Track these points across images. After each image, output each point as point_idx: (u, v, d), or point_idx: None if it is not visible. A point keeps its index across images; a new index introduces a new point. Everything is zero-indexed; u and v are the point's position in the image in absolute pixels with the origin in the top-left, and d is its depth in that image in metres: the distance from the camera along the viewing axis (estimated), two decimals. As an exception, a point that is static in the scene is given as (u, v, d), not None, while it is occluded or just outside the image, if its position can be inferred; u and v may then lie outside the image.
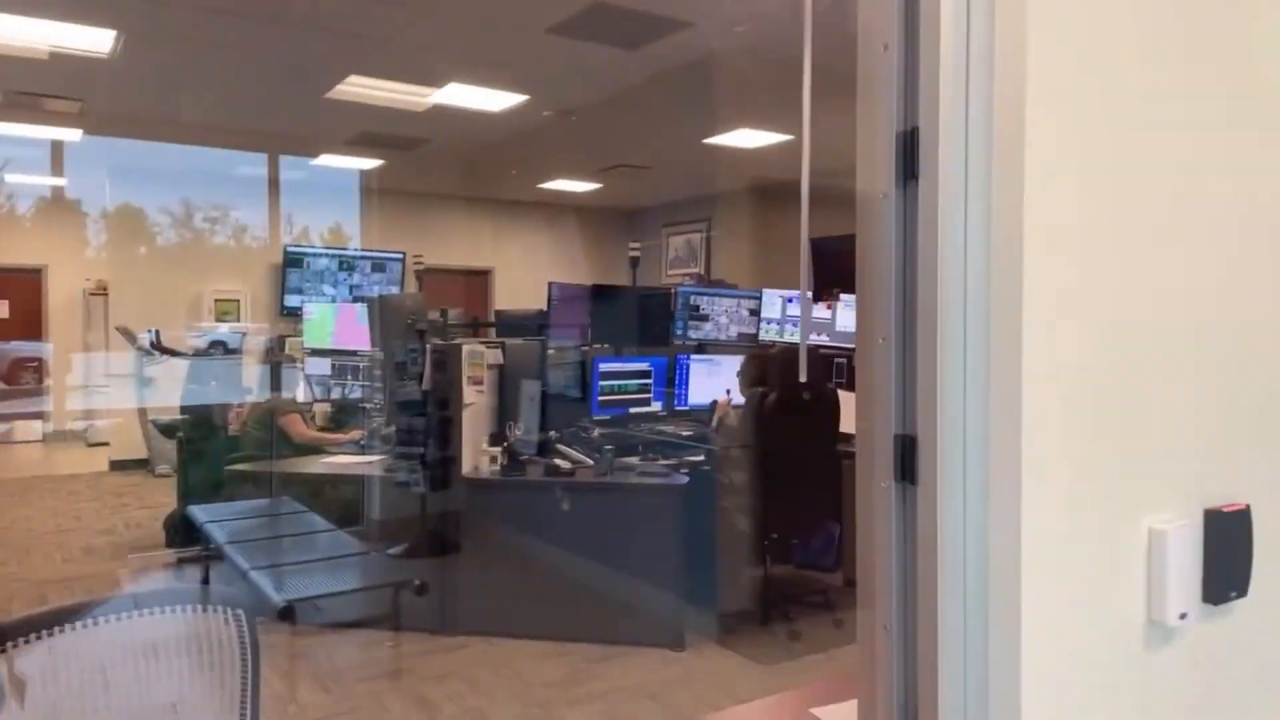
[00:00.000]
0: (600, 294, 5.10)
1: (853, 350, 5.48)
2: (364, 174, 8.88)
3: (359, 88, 5.69)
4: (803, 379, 4.42)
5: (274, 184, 9.14)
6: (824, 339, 5.38)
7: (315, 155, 8.22)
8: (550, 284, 4.87)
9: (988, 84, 0.82)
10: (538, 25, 4.64)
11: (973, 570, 0.84)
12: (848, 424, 5.00)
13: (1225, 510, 1.06)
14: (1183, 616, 1.02)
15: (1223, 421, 1.09)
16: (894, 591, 0.88)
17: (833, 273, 7.52)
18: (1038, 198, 0.84)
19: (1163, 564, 1.00)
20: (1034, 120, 0.83)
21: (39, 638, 1.37)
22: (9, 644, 1.29)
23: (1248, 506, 1.08)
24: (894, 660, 0.88)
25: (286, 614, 3.16)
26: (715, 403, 4.92)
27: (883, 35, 0.87)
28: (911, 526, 0.87)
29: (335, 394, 6.02)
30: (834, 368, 5.29)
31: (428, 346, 4.34)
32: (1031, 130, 0.83)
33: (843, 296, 5.34)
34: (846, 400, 5.03)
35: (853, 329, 5.50)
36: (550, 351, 4.63)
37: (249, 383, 7.04)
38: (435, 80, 5.59)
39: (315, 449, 5.35)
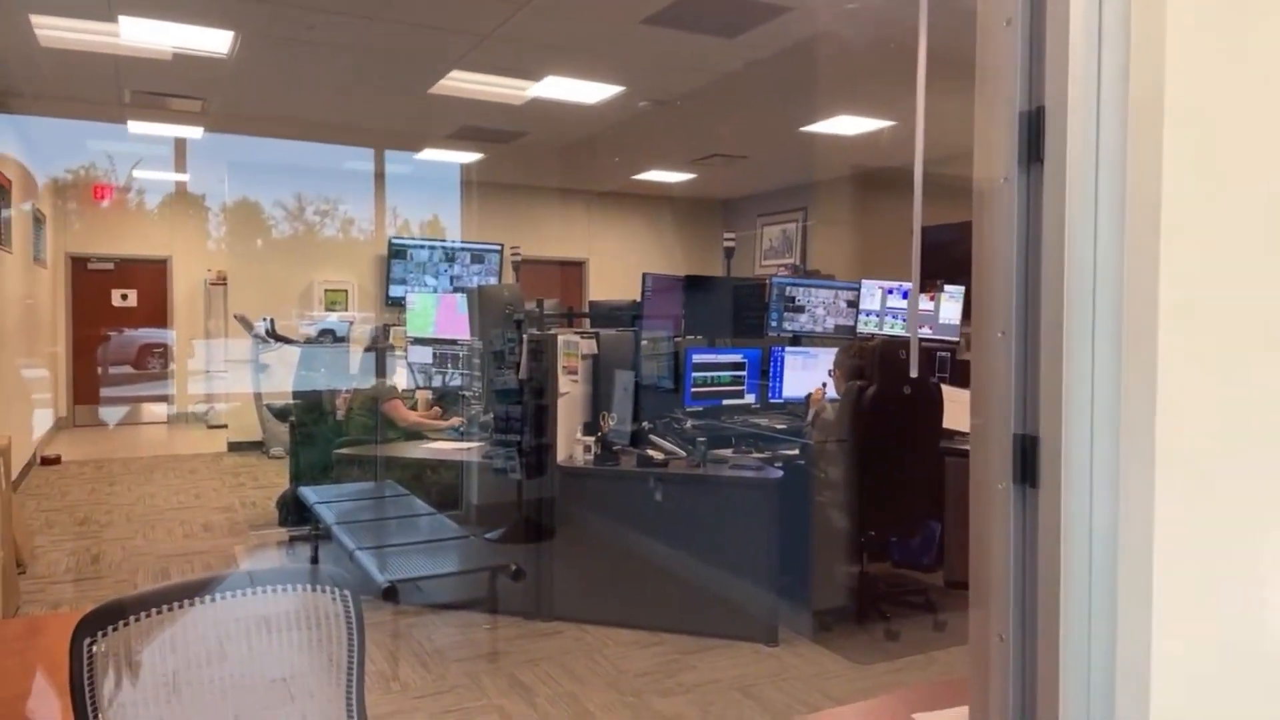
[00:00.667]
0: (694, 285, 5.07)
1: (956, 344, 5.30)
2: (464, 167, 9.08)
3: (460, 83, 5.81)
4: (913, 374, 4.30)
5: (380, 178, 9.45)
6: (926, 331, 5.22)
7: (418, 150, 8.44)
8: (645, 275, 4.87)
9: (1123, 59, 0.76)
10: (633, 16, 4.64)
11: (1099, 579, 0.79)
12: (951, 420, 4.84)
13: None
14: (1334, 637, 0.94)
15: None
16: (1010, 598, 0.83)
17: (936, 262, 7.29)
18: (1176, 179, 0.77)
19: (1312, 579, 0.92)
20: (1173, 96, 0.76)
21: (164, 610, 1.44)
22: (132, 617, 1.36)
23: None
24: (1010, 670, 0.83)
25: (390, 594, 3.26)
26: (810, 396, 4.84)
27: (1005, 10, 0.82)
28: (1031, 531, 0.82)
29: (436, 382, 6.20)
30: (936, 361, 5.13)
31: (524, 336, 4.40)
32: (1171, 107, 0.76)
33: (947, 288, 5.17)
34: (950, 395, 4.87)
35: (956, 321, 5.32)
36: (644, 342, 4.63)
37: (355, 370, 7.31)
38: (533, 74, 5.66)
39: (418, 434, 5.51)
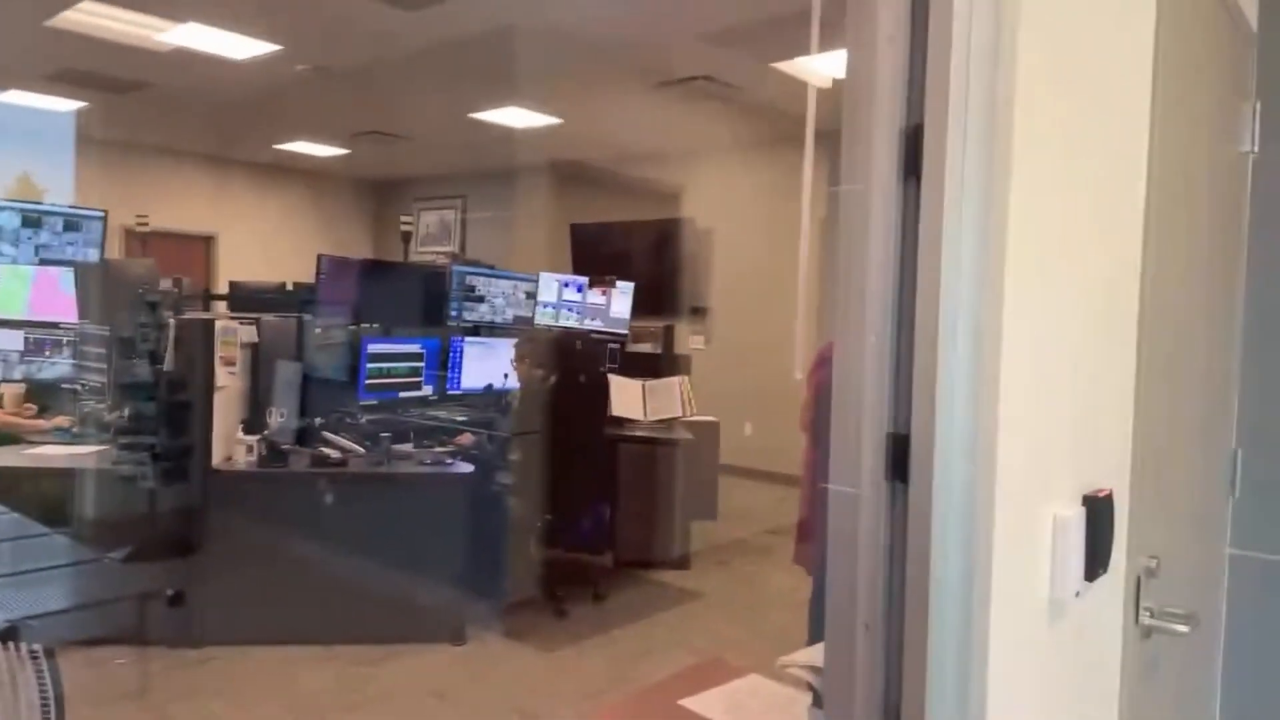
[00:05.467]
0: (370, 270, 4.76)
1: (625, 336, 5.57)
2: (59, 117, 7.60)
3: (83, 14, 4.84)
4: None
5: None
6: (598, 324, 5.42)
7: (1, 89, 6.89)
8: (320, 256, 4.46)
9: (990, 80, 0.83)
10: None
11: (955, 566, 0.86)
12: (620, 408, 5.10)
13: (1099, 496, 1.18)
14: (1077, 594, 1.12)
15: (1089, 418, 1.21)
16: (880, 590, 0.88)
17: (593, 258, 7.62)
18: (1019, 203, 0.87)
19: (1065, 547, 1.09)
20: (1021, 120, 0.85)
21: None
22: None
23: (1111, 491, 1.21)
24: (876, 658, 0.88)
25: (9, 635, 2.62)
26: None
27: (887, 28, 0.85)
28: (901, 526, 0.87)
29: (29, 372, 5.14)
30: (607, 353, 5.36)
31: (172, 321, 3.81)
32: (1018, 129, 0.85)
33: (618, 284, 5.41)
34: (618, 385, 5.13)
35: (625, 315, 5.60)
36: (317, 330, 4.24)
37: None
38: (172, 14, 4.89)
39: (11, 437, 4.51)
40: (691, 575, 4.94)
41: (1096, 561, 1.18)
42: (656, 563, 4.99)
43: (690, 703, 1.55)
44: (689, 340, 7.22)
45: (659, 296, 6.68)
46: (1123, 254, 1.22)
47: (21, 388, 5.15)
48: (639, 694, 1.79)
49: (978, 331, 0.85)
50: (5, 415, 4.92)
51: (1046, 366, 1.01)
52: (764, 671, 1.65)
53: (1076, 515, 1.10)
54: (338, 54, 5.49)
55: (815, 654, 1.27)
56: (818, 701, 1.29)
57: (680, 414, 5.22)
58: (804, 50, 5.25)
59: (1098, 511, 1.16)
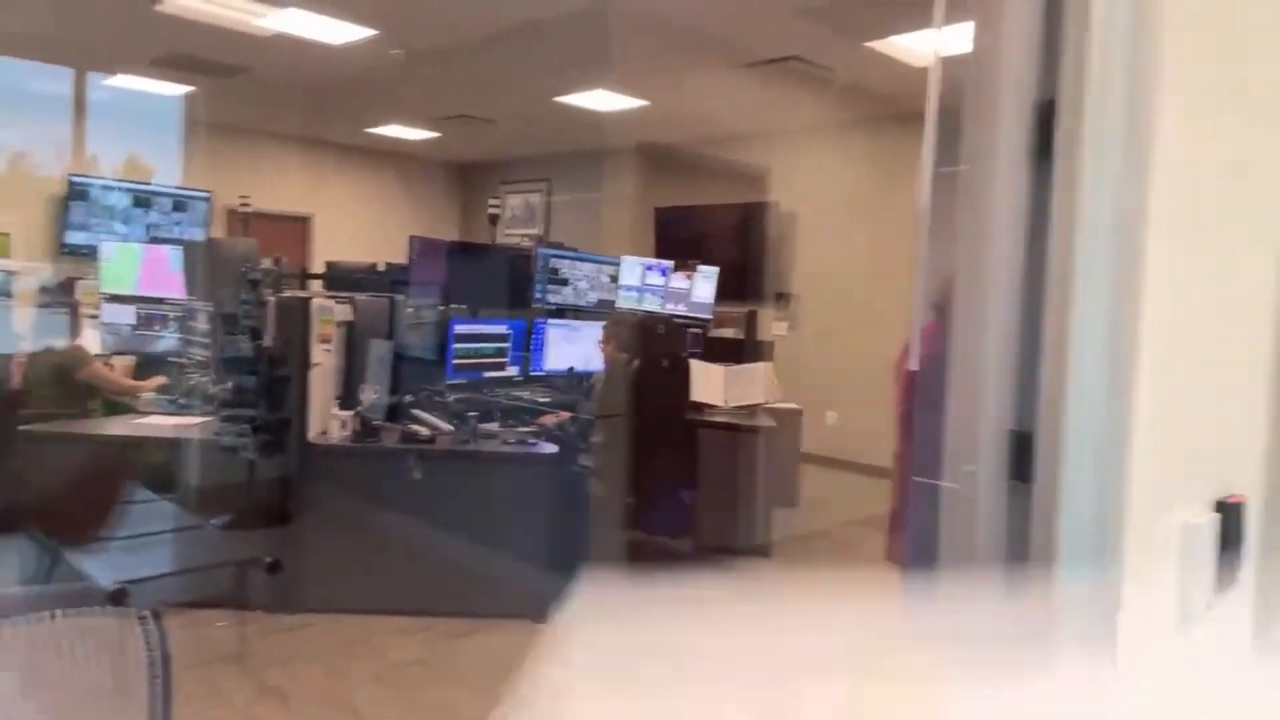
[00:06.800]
0: (459, 252, 4.83)
1: (708, 321, 5.53)
2: (166, 101, 7.93)
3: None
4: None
5: (58, 104, 7.97)
6: (680, 309, 5.39)
7: (111, 73, 7.23)
8: (413, 238, 4.55)
9: (1134, 52, 0.77)
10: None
11: (1081, 573, 0.81)
12: (700, 394, 5.07)
13: (1231, 502, 1.10)
14: (1207, 608, 1.05)
15: (1223, 418, 1.13)
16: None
17: (676, 242, 7.59)
18: (1162, 186, 0.80)
19: (1196, 557, 1.02)
20: (1171, 99, 0.79)
21: None
22: None
23: (1244, 498, 1.13)
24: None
25: (118, 597, 2.77)
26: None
27: (1021, -3, 0.80)
28: (1021, 528, 0.82)
29: (139, 346, 5.40)
30: (688, 337, 5.33)
31: (272, 299, 3.94)
32: (1165, 109, 0.79)
33: (700, 268, 5.37)
34: (699, 370, 5.09)
35: (709, 300, 5.55)
36: (409, 310, 4.33)
37: (22, 329, 6.15)
38: (273, 0, 5.03)
39: (123, 407, 4.75)
40: (772, 564, 4.89)
41: (1227, 573, 1.11)
42: (737, 550, 4.95)
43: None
44: (772, 326, 7.13)
45: (742, 281, 6.61)
46: (1270, 240, 1.12)
47: (132, 360, 5.41)
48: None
49: (1113, 325, 0.79)
50: (130, 380, 5.14)
51: (1181, 363, 0.94)
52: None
53: (1209, 523, 1.03)
54: (430, 37, 5.57)
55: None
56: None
57: (763, 400, 5.16)
58: (898, 29, 5.05)
59: (1230, 519, 1.08)
